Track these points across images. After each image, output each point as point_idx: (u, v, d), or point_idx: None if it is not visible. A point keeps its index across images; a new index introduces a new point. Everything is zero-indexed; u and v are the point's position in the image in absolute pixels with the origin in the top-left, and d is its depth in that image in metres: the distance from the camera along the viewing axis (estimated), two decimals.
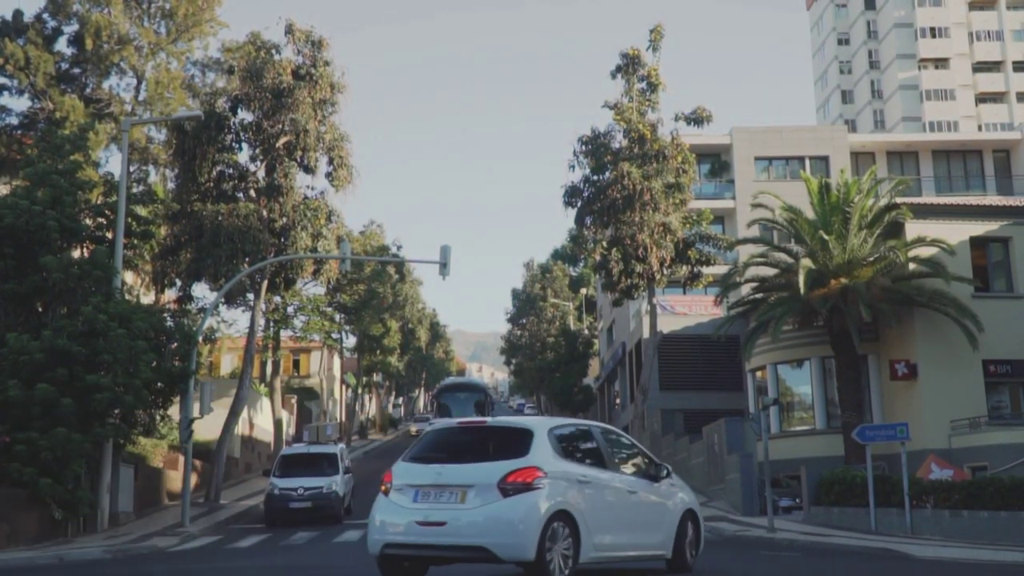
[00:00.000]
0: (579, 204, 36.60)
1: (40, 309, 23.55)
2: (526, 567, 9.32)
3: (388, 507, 9.99)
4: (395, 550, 9.92)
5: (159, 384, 24.21)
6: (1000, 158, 48.51)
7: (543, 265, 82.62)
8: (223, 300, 33.82)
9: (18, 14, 35.94)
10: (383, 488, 10.21)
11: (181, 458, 29.78)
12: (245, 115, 33.02)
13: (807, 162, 45.98)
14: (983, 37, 80.00)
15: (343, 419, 71.91)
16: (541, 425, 10.24)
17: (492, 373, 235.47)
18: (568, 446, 10.37)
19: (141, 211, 27.85)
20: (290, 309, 49.24)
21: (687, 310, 44.67)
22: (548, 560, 9.25)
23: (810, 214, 30.65)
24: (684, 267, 36.51)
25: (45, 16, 36.51)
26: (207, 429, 32.83)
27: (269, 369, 47.99)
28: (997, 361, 29.02)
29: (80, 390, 21.17)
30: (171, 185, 34.16)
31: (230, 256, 30.28)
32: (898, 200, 30.23)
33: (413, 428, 74.31)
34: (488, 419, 11.26)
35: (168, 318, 27.69)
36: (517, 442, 9.90)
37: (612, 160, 35.71)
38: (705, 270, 37.10)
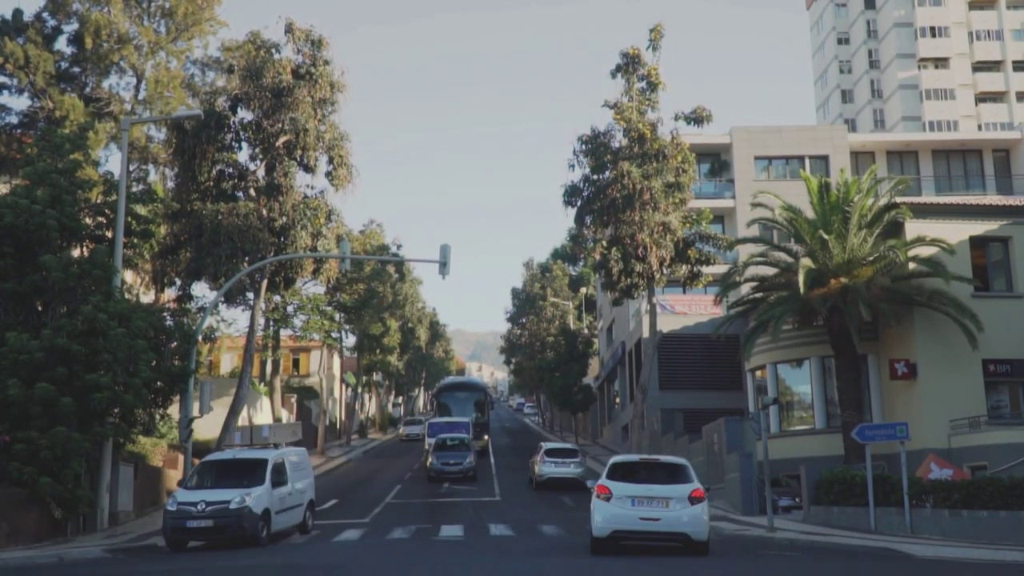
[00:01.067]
0: (579, 203, 36.61)
1: (40, 308, 23.55)
2: (701, 545, 16.61)
3: (612, 508, 16.64)
4: (621, 534, 16.63)
5: (159, 383, 24.21)
6: (1000, 158, 48.51)
7: (543, 264, 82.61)
8: (223, 299, 33.84)
9: (18, 13, 35.92)
10: (602, 496, 16.77)
11: (181, 457, 29.78)
12: (245, 114, 33.04)
13: (807, 161, 45.99)
14: (983, 37, 79.99)
15: (343, 418, 71.90)
16: (687, 461, 18.20)
17: (492, 372, 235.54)
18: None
19: (141, 210, 27.85)
20: (290, 308, 49.25)
21: (687, 309, 44.68)
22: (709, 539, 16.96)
23: (810, 214, 30.66)
24: (684, 266, 36.52)
25: (45, 15, 36.49)
26: (207, 428, 32.83)
27: (269, 368, 48.00)
28: (997, 360, 29.03)
29: (80, 389, 21.17)
30: (171, 184, 34.16)
31: (230, 255, 30.28)
32: (898, 200, 30.23)
33: (403, 431, 69.38)
34: (660, 456, 18.67)
35: (168, 317, 27.71)
36: (682, 471, 17.22)
37: (612, 159, 35.72)
38: (705, 269, 37.12)
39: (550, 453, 35.71)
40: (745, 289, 33.85)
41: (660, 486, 16.67)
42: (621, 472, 17.18)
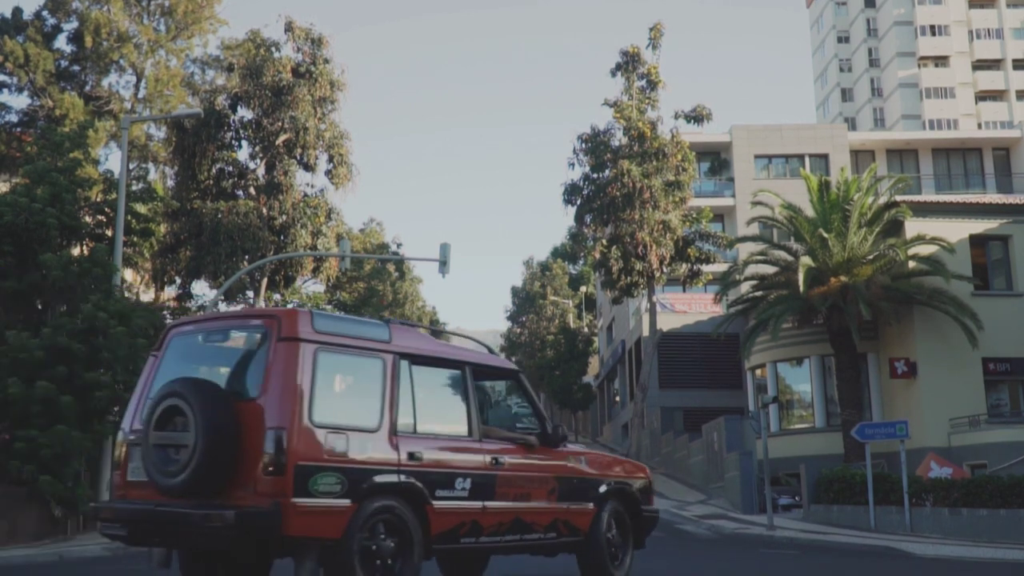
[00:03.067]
0: (579, 202, 36.66)
1: (40, 307, 23.57)
2: None
3: None
4: None
5: None
6: (1000, 156, 48.52)
7: (543, 263, 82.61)
8: (223, 298, 33.81)
9: (17, 11, 35.94)
10: None
11: None
12: (245, 113, 33.07)
13: (807, 160, 45.99)
14: (983, 35, 79.97)
15: None
16: None
17: None
18: None
19: (141, 209, 27.86)
20: (290, 307, 49.29)
21: (687, 308, 44.68)
22: None
23: (810, 212, 30.66)
24: (684, 265, 36.57)
25: (44, 13, 36.51)
26: None
27: None
28: (997, 359, 29.03)
29: (80, 388, 21.18)
30: (171, 183, 34.18)
31: (230, 254, 30.31)
32: (898, 198, 30.23)
33: None
34: None
35: (168, 316, 27.70)
36: None
37: (612, 158, 35.76)
38: (705, 268, 37.15)
39: None
40: (745, 288, 33.86)
41: None
42: None
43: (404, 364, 7.57)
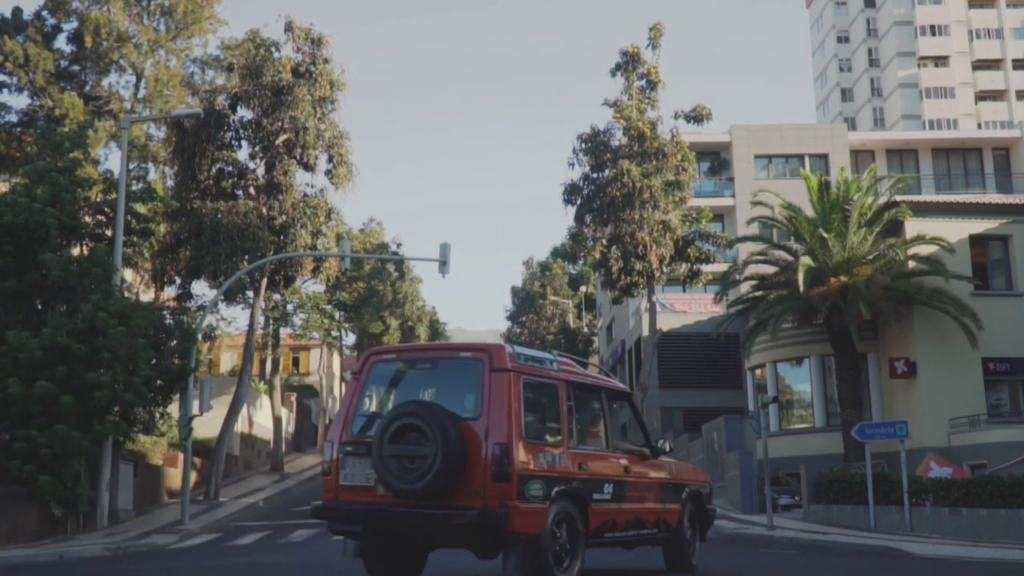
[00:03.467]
0: (579, 202, 36.63)
1: (40, 307, 23.57)
2: None
3: None
4: None
5: (159, 382, 24.21)
6: (1000, 156, 48.51)
7: (542, 263, 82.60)
8: (222, 298, 33.83)
9: (17, 11, 35.92)
10: None
11: (181, 456, 29.80)
12: (245, 113, 33.04)
13: (807, 160, 45.97)
14: (983, 35, 79.95)
15: None
16: None
17: None
18: None
19: (141, 209, 27.85)
20: (289, 307, 49.22)
21: (686, 308, 44.67)
22: None
23: (810, 212, 30.66)
24: (684, 265, 36.54)
25: (44, 13, 36.48)
26: (207, 427, 32.84)
27: (269, 367, 48.01)
28: (996, 359, 29.03)
29: (80, 388, 21.18)
30: (170, 183, 34.17)
31: (229, 254, 30.28)
32: (898, 198, 30.23)
33: None
34: None
35: (167, 316, 27.71)
36: None
37: (612, 158, 35.74)
38: (705, 268, 37.14)
39: None
40: (745, 288, 33.85)
41: None
42: None
43: (568, 388, 9.20)
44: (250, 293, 36.52)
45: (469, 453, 8.09)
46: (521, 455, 8.15)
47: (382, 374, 9.21)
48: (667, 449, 10.82)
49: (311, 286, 50.02)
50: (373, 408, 9.11)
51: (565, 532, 8.60)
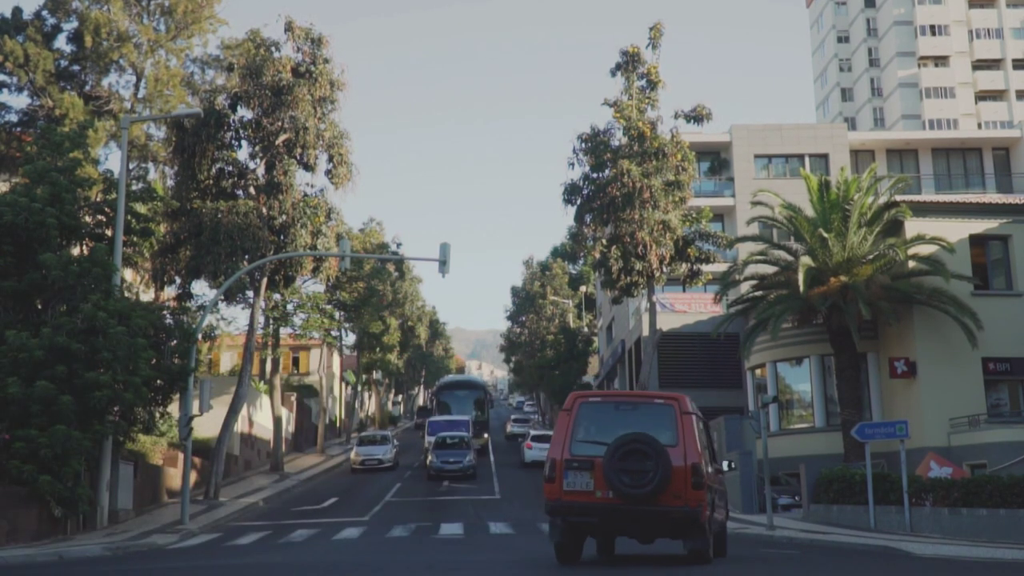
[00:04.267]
0: (579, 202, 36.62)
1: (39, 306, 23.54)
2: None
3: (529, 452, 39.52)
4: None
5: (159, 381, 24.20)
6: (1000, 156, 48.50)
7: (543, 263, 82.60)
8: (222, 298, 33.81)
9: (17, 11, 35.91)
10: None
11: (181, 456, 29.78)
12: (245, 112, 33.01)
13: (807, 160, 45.98)
14: (983, 35, 79.93)
15: (343, 416, 71.91)
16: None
17: (492, 371, 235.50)
18: None
19: (140, 208, 27.82)
20: (289, 307, 49.21)
21: (686, 308, 44.66)
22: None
23: (810, 212, 30.66)
24: (684, 265, 36.53)
25: (44, 13, 36.48)
26: (206, 427, 32.83)
27: (268, 367, 47.99)
28: (996, 359, 29.04)
29: (80, 387, 21.16)
30: (170, 182, 34.14)
31: (229, 254, 30.25)
32: (898, 198, 30.23)
33: (356, 456, 44.38)
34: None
35: (167, 316, 27.67)
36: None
37: (612, 158, 35.73)
38: (705, 268, 37.12)
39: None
40: (745, 287, 33.85)
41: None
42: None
43: (702, 423, 13.17)
44: (250, 293, 36.51)
45: (673, 469, 11.86)
46: (705, 471, 12.19)
47: (589, 411, 12.78)
48: (731, 467, 15.11)
49: (311, 286, 50.05)
50: (588, 435, 12.49)
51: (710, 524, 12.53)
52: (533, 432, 48.40)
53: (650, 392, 16.43)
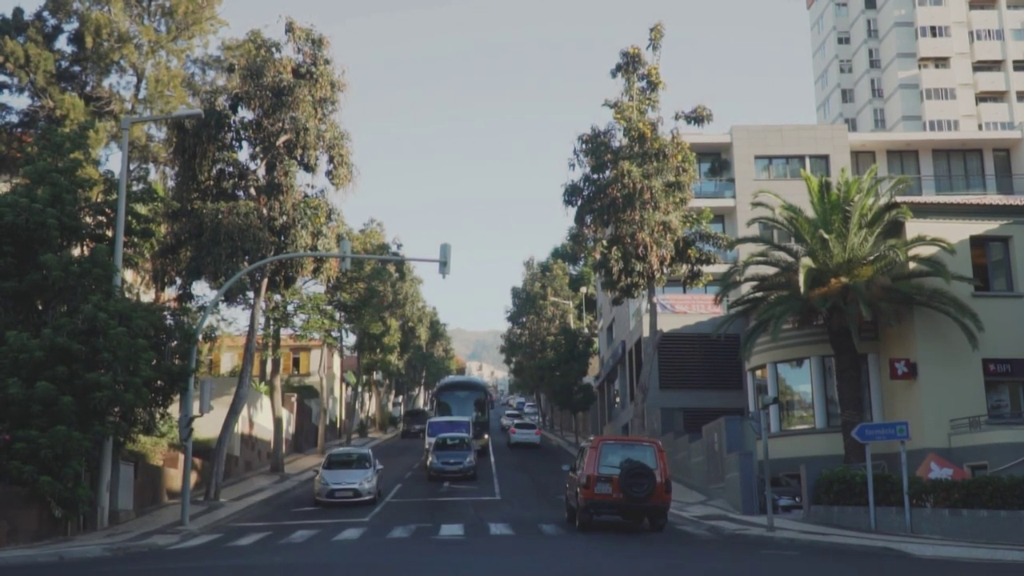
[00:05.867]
0: (579, 203, 36.62)
1: (40, 307, 23.55)
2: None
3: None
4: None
5: (159, 382, 24.22)
6: (1000, 157, 48.51)
7: (543, 264, 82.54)
8: (223, 298, 33.83)
9: (18, 12, 35.94)
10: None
11: (181, 456, 29.78)
12: (245, 113, 33.01)
13: (807, 161, 45.99)
14: (983, 36, 79.94)
15: (343, 417, 71.90)
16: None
17: (492, 372, 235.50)
18: None
19: (141, 209, 27.84)
20: (290, 307, 49.20)
21: (687, 309, 44.68)
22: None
23: (810, 213, 30.66)
24: (684, 266, 36.53)
25: (45, 14, 36.51)
26: (207, 427, 32.83)
27: (269, 367, 48.01)
28: (997, 360, 29.03)
29: (80, 388, 21.17)
30: (171, 183, 34.14)
31: (230, 254, 30.26)
32: (898, 199, 30.23)
33: (322, 486, 31.21)
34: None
35: (168, 316, 27.66)
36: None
37: (612, 159, 35.73)
38: (705, 269, 37.12)
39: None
40: (745, 288, 33.85)
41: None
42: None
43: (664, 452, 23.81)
44: (250, 294, 36.51)
45: (656, 483, 21.28)
46: (668, 484, 22.10)
47: (609, 446, 22.74)
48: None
49: (311, 287, 50.04)
50: (607, 462, 22.00)
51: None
52: (517, 421, 65.74)
53: (642, 438, 27.71)
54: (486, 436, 52.56)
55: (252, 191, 32.85)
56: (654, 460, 21.87)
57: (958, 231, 29.88)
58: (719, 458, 30.60)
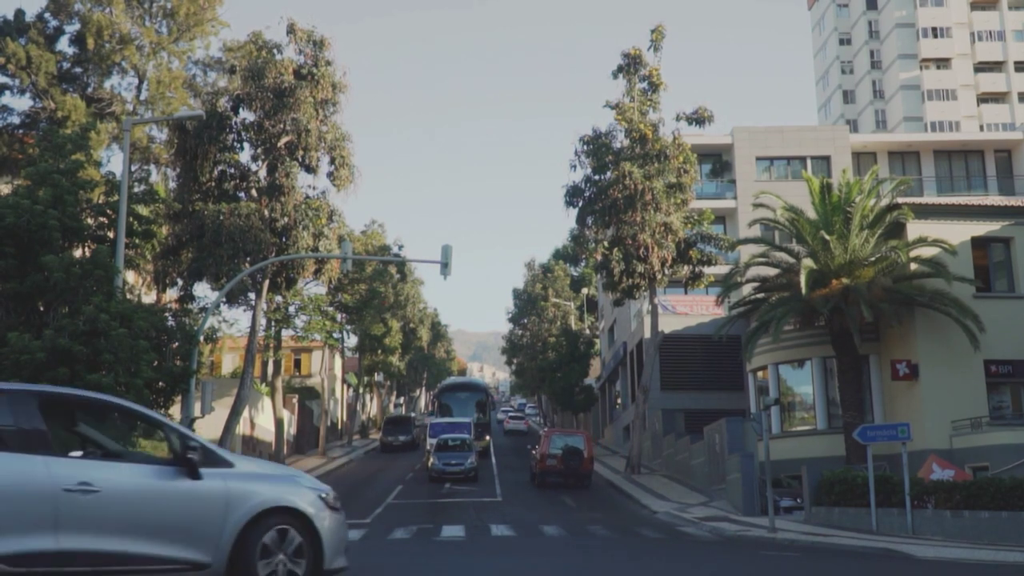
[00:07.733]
0: (580, 204, 36.66)
1: (41, 308, 23.55)
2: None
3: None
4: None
5: (160, 384, 24.21)
6: (1002, 158, 48.50)
7: (544, 265, 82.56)
8: (224, 300, 33.87)
9: (20, 13, 35.97)
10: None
11: None
12: (247, 115, 33.05)
13: (808, 162, 45.98)
14: (984, 37, 79.95)
15: (345, 418, 71.91)
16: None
17: (493, 373, 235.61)
18: None
19: (142, 211, 27.85)
20: (291, 309, 49.25)
21: (688, 310, 44.67)
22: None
23: (811, 214, 30.65)
24: (685, 267, 36.57)
25: (47, 15, 36.54)
26: (208, 429, 32.79)
27: (270, 369, 48.05)
28: (998, 361, 29.00)
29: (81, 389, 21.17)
30: (172, 185, 34.19)
31: (231, 256, 30.28)
32: (899, 200, 30.22)
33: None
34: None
35: (169, 318, 27.68)
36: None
37: (613, 160, 35.77)
38: (706, 270, 37.16)
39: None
40: (746, 290, 33.85)
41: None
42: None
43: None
44: (252, 295, 36.55)
45: (584, 458, 34.98)
46: (592, 459, 36.81)
47: (554, 436, 36.41)
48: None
49: (313, 288, 50.11)
50: (554, 445, 35.30)
51: None
52: (510, 414, 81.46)
53: (574, 429, 38.62)
54: (487, 437, 52.54)
55: (253, 192, 32.88)
56: (583, 444, 35.35)
57: (959, 232, 29.87)
58: (720, 459, 30.59)
